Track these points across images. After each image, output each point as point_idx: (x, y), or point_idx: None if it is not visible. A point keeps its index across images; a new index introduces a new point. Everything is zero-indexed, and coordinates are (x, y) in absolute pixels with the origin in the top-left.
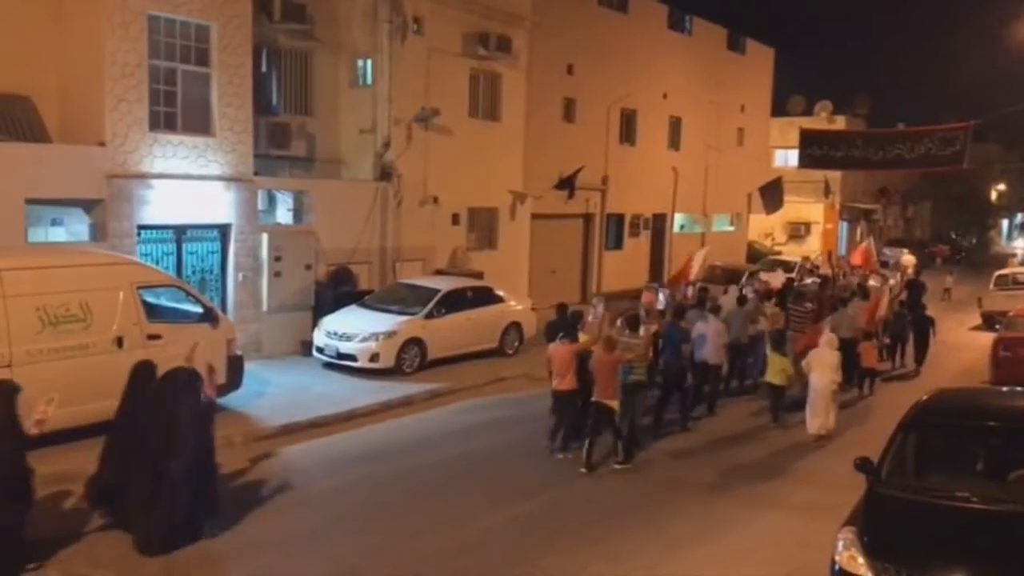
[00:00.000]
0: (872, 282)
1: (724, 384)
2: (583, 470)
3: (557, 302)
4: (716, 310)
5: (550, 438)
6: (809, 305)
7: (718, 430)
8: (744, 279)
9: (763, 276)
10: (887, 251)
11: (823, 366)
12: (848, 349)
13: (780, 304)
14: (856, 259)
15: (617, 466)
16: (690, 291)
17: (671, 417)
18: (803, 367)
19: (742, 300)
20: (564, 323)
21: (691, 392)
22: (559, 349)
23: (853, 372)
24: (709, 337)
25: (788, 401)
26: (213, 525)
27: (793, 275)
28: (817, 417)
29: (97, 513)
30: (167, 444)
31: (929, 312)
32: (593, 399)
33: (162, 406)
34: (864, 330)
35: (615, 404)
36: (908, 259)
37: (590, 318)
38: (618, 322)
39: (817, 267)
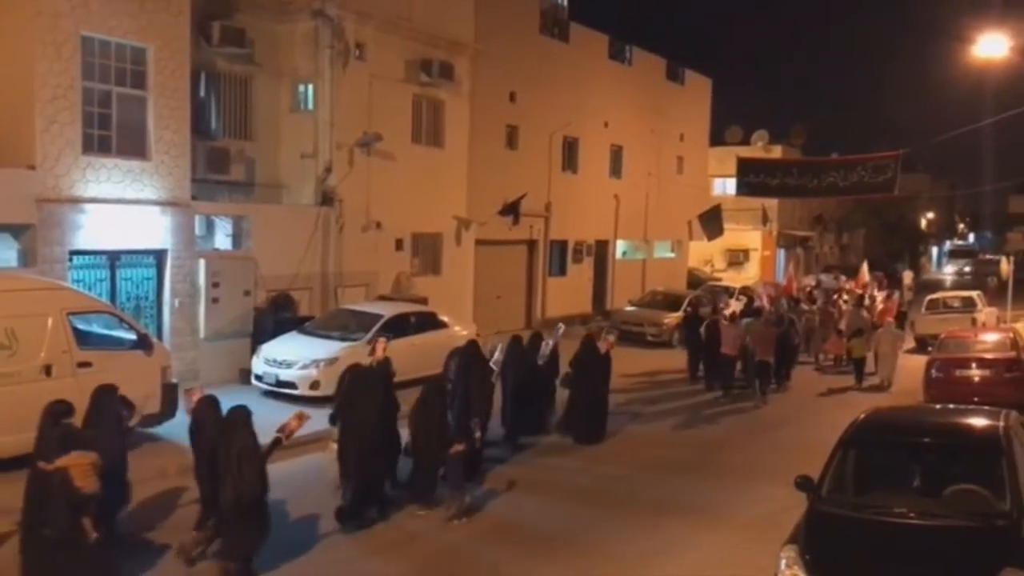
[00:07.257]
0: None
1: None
2: (762, 405)
3: (689, 308)
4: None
5: (713, 388)
6: (832, 309)
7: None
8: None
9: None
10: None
11: (888, 341)
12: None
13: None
14: (857, 284)
15: (760, 404)
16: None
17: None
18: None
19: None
20: (697, 321)
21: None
22: (731, 329)
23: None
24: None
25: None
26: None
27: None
28: (882, 372)
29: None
30: (601, 382)
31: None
32: (758, 358)
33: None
34: (873, 323)
35: (772, 360)
36: (908, 274)
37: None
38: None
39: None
